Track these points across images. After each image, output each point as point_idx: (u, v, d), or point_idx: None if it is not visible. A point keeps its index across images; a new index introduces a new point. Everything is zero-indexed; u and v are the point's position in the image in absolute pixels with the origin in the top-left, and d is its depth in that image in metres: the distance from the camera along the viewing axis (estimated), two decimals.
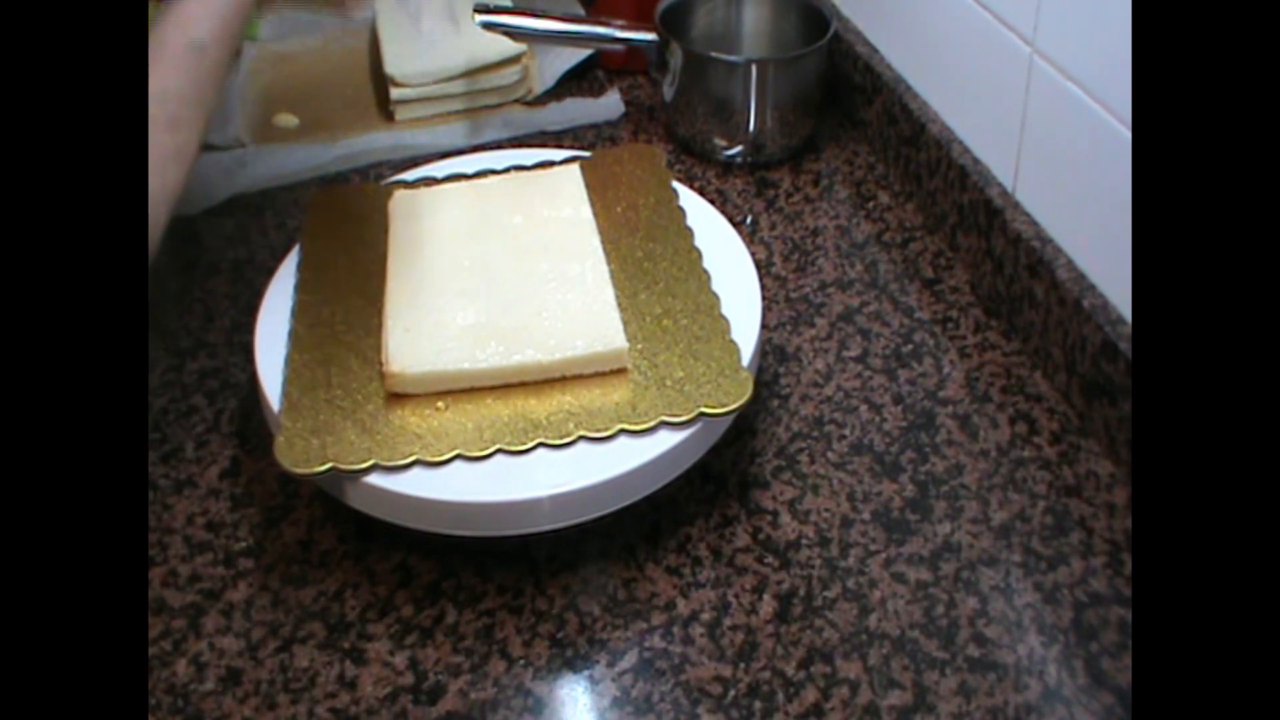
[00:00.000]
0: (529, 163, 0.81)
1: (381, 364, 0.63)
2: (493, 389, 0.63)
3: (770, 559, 0.62)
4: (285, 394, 0.63)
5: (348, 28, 1.12)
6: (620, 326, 0.65)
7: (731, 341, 0.65)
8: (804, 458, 0.68)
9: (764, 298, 0.70)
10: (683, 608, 0.60)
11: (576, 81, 1.03)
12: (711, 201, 0.79)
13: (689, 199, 0.77)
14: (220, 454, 0.69)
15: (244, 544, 0.63)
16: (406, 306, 0.66)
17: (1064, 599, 0.59)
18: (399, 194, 0.76)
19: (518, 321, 0.65)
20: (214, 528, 0.64)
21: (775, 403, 0.71)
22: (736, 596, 0.60)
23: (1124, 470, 0.65)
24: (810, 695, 0.56)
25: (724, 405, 0.61)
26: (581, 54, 1.02)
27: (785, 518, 0.64)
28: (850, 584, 0.61)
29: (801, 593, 0.60)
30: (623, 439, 0.60)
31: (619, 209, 0.76)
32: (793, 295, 0.79)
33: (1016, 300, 0.74)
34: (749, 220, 0.87)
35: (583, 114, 0.98)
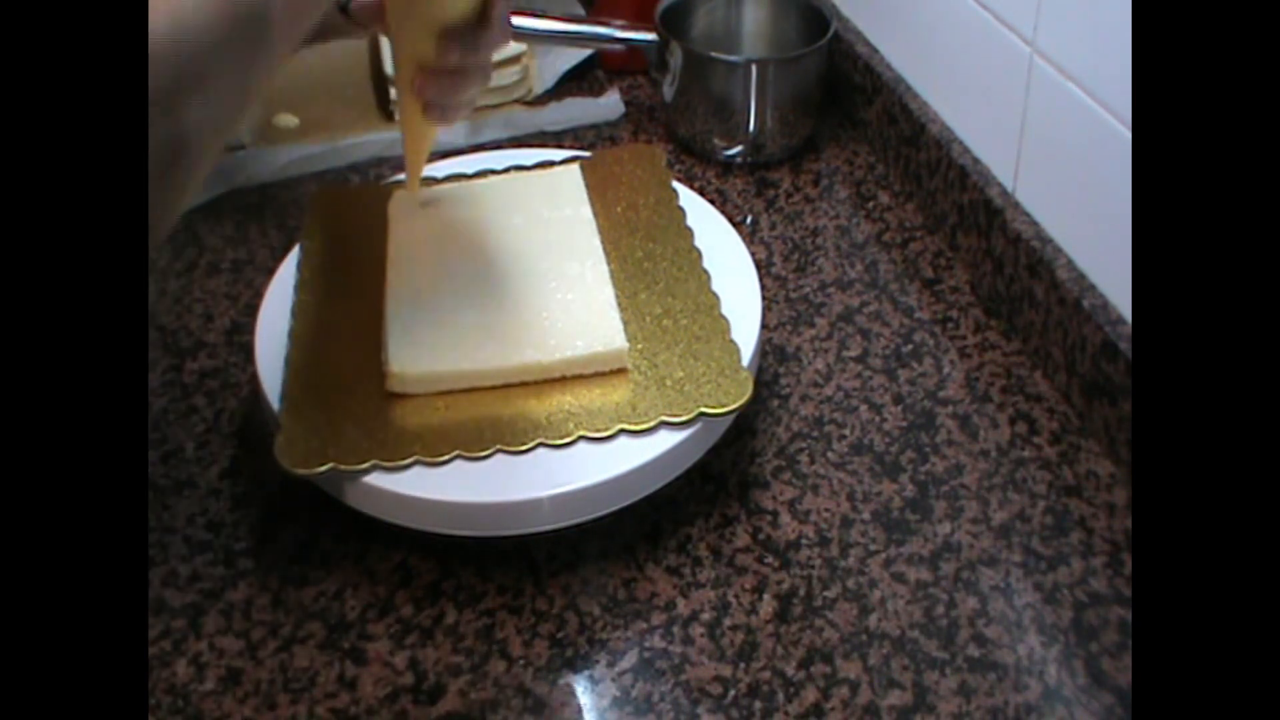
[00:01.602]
0: (529, 163, 0.81)
1: (382, 364, 0.63)
2: (493, 389, 0.63)
3: (770, 559, 0.62)
4: (285, 394, 0.63)
5: None
6: (620, 326, 0.65)
7: (731, 341, 0.65)
8: (804, 458, 0.68)
9: (764, 298, 0.70)
10: (683, 608, 0.60)
11: (576, 81, 1.02)
12: (711, 201, 0.79)
13: (689, 199, 0.77)
14: (220, 454, 0.69)
15: (244, 544, 0.63)
16: (406, 306, 0.66)
17: (1064, 599, 0.59)
18: (399, 194, 0.76)
19: (518, 321, 0.65)
20: (214, 528, 0.64)
21: (775, 403, 0.71)
22: (736, 596, 0.60)
23: (1124, 470, 0.65)
24: (810, 695, 0.56)
25: (724, 405, 0.61)
26: (581, 54, 1.02)
27: (785, 518, 0.64)
28: (850, 584, 0.61)
29: (801, 593, 0.60)
30: (623, 439, 0.60)
31: (619, 209, 0.76)
32: (793, 295, 0.79)
33: (1016, 300, 0.74)
34: (749, 220, 0.87)
35: (583, 114, 0.98)
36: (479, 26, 0.59)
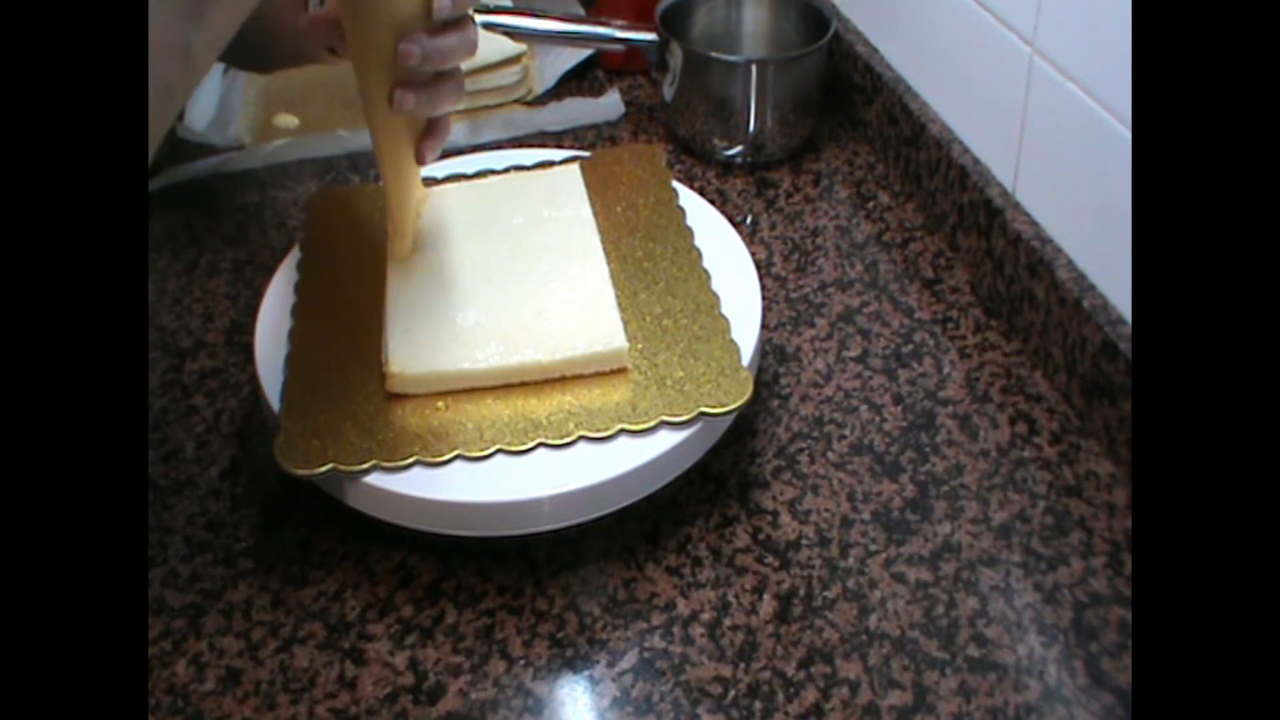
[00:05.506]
0: (529, 163, 0.81)
1: (381, 364, 0.63)
2: (493, 389, 0.63)
3: (770, 559, 0.62)
4: (285, 394, 0.63)
5: None
6: (620, 326, 0.65)
7: (731, 341, 0.65)
8: (804, 458, 0.68)
9: (764, 298, 0.70)
10: (683, 608, 0.60)
11: (576, 81, 1.03)
12: (711, 201, 0.79)
13: (689, 199, 0.77)
14: (220, 454, 0.69)
15: (244, 544, 0.63)
16: (406, 306, 0.66)
17: (1064, 599, 0.59)
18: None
19: (518, 321, 0.65)
20: (214, 528, 0.64)
21: (775, 403, 0.71)
22: (736, 596, 0.60)
23: (1124, 470, 0.65)
24: (810, 695, 0.56)
25: (724, 405, 0.61)
26: (581, 54, 1.02)
27: (785, 518, 0.64)
28: (850, 584, 0.61)
29: (801, 593, 0.60)
30: (623, 439, 0.60)
31: (619, 209, 0.76)
32: (793, 295, 0.79)
33: (1016, 300, 0.74)
34: (749, 220, 0.87)
35: (583, 114, 0.98)
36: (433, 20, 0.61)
